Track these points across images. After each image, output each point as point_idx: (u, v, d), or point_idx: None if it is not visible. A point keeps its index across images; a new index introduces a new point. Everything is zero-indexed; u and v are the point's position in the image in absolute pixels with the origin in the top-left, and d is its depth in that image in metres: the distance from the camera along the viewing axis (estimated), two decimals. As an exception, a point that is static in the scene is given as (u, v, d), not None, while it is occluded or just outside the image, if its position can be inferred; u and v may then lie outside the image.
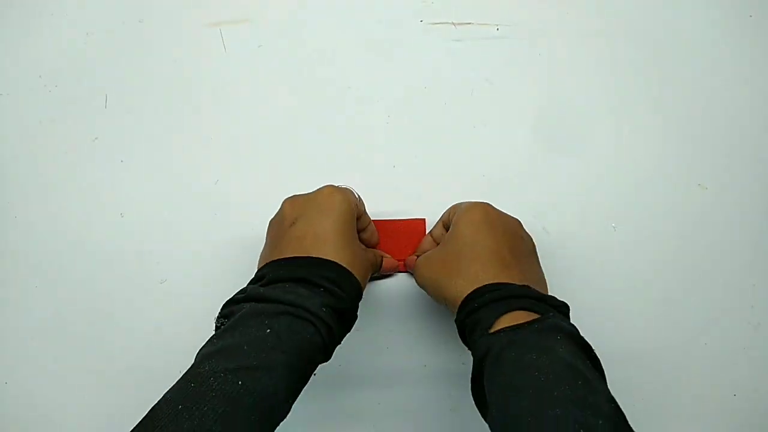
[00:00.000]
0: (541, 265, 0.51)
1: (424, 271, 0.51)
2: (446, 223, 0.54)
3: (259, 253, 0.52)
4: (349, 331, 0.48)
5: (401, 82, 0.61)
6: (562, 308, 0.46)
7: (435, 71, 0.61)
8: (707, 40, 0.61)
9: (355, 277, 0.47)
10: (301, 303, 0.44)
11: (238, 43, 0.61)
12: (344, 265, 0.47)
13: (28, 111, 0.61)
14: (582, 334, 0.44)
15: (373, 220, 0.56)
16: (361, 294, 0.48)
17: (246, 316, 0.43)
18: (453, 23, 0.61)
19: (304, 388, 0.45)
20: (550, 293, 0.50)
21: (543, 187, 0.59)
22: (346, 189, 0.51)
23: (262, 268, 0.48)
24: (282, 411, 0.42)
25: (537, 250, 0.52)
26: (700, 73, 0.61)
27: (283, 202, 0.51)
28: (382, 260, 0.56)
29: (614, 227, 0.59)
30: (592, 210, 0.59)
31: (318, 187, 0.51)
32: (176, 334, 0.57)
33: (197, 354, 0.44)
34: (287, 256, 0.47)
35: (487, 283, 0.45)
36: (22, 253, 0.59)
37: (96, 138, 0.60)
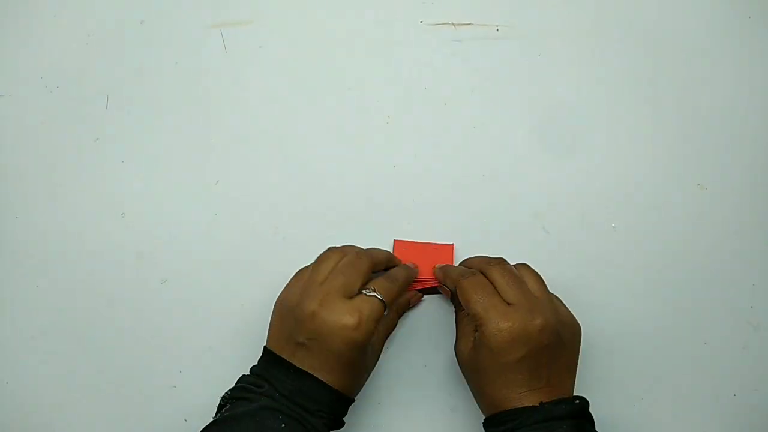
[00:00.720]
0: (546, 275, 0.52)
1: (463, 369, 0.52)
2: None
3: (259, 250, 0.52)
4: None
5: (401, 83, 0.61)
6: (579, 413, 0.48)
7: (435, 71, 0.61)
8: (707, 40, 0.61)
9: (348, 400, 0.50)
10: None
11: (238, 44, 0.61)
12: (344, 393, 0.49)
13: (29, 111, 0.61)
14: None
15: (400, 241, 0.57)
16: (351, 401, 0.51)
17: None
18: (453, 24, 0.62)
19: None
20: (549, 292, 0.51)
21: (543, 187, 0.59)
22: (369, 310, 0.49)
23: (273, 355, 0.50)
24: None
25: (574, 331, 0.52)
26: (700, 73, 0.61)
27: (298, 290, 0.51)
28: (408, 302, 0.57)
29: (614, 227, 0.59)
30: (592, 210, 0.59)
31: (333, 308, 0.49)
32: (176, 334, 0.57)
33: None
34: (295, 365, 0.48)
35: (505, 409, 0.48)
36: (23, 253, 0.59)
37: (97, 138, 0.60)
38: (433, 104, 0.61)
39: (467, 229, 0.58)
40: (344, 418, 0.50)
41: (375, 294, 0.50)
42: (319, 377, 0.48)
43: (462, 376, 0.52)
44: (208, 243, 0.59)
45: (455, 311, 0.54)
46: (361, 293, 0.50)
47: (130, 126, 0.60)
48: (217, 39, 0.62)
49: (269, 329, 0.51)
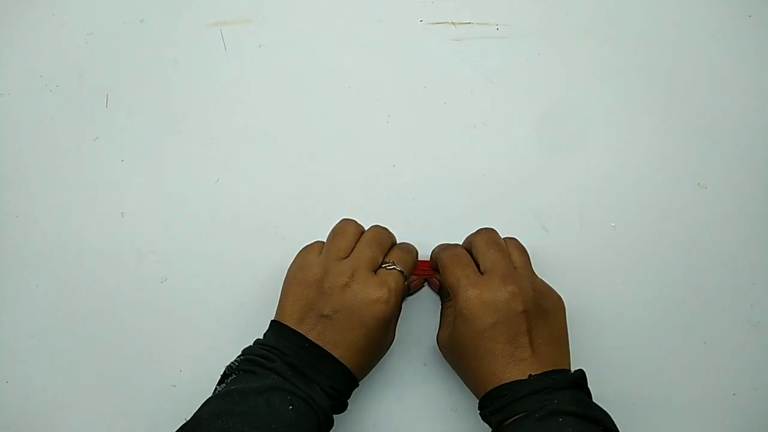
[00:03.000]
0: (546, 275, 0.52)
1: (446, 354, 0.52)
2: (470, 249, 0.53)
3: (260, 248, 0.52)
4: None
5: (401, 82, 0.61)
6: (572, 383, 0.47)
7: (435, 71, 0.61)
8: (707, 39, 0.61)
9: (355, 383, 0.49)
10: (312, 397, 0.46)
11: (238, 43, 0.61)
12: (354, 373, 0.48)
13: (29, 111, 0.61)
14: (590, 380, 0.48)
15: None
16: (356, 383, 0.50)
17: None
18: (453, 23, 0.61)
19: None
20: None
21: (543, 186, 0.59)
22: (394, 283, 0.50)
23: (287, 328, 0.49)
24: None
25: (564, 304, 0.52)
26: (700, 72, 0.61)
27: (318, 263, 0.51)
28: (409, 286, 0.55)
29: (614, 226, 0.59)
30: (592, 209, 0.59)
31: (360, 280, 0.49)
32: (176, 334, 0.57)
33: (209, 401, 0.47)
34: (311, 340, 0.48)
35: (495, 386, 0.47)
36: (23, 253, 0.59)
37: (97, 138, 0.60)
38: (433, 104, 0.60)
39: (467, 228, 0.58)
40: (344, 413, 0.50)
41: (395, 266, 0.50)
42: (335, 354, 0.47)
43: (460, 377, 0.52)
44: (207, 242, 0.59)
45: (441, 303, 0.55)
46: (383, 267, 0.51)
47: (129, 125, 0.60)
48: (217, 38, 0.61)
49: (281, 303, 0.50)
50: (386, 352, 0.53)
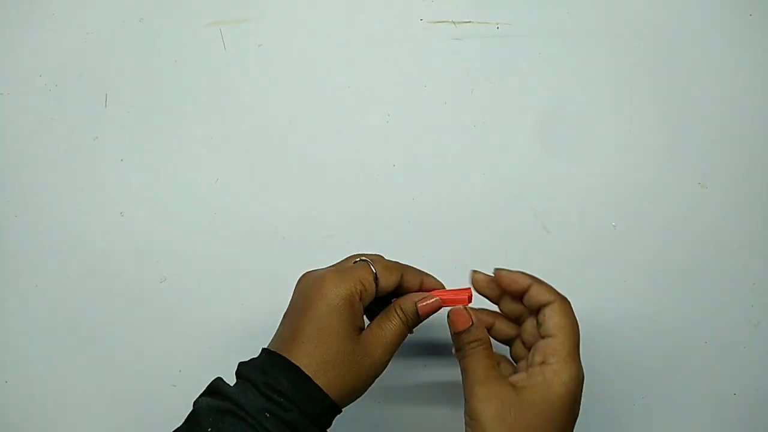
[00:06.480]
0: (546, 275, 0.48)
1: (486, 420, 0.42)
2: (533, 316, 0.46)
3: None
4: None
5: (401, 82, 0.61)
6: None
7: (435, 70, 0.61)
8: (707, 38, 0.61)
9: (314, 385, 0.42)
10: (244, 405, 0.42)
11: (238, 42, 0.61)
12: (306, 372, 0.42)
13: (29, 110, 0.61)
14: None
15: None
16: (333, 406, 0.43)
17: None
18: (453, 22, 0.61)
19: None
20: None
21: (543, 186, 0.59)
22: (354, 268, 0.46)
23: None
24: None
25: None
26: (700, 71, 0.61)
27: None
28: (417, 309, 0.47)
29: (614, 226, 0.59)
30: (592, 209, 0.59)
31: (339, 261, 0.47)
32: (176, 334, 0.58)
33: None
34: (265, 347, 0.45)
35: None
36: (22, 252, 0.59)
37: (96, 137, 0.60)
38: (433, 103, 0.60)
39: (467, 228, 0.58)
40: (344, 414, 0.46)
41: (363, 260, 0.47)
42: (288, 358, 0.43)
43: (460, 375, 0.47)
44: (207, 242, 0.58)
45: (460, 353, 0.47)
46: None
47: (129, 124, 0.60)
48: (216, 37, 0.61)
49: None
50: (363, 374, 0.45)
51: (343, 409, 0.45)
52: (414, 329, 0.48)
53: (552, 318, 0.44)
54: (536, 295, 0.45)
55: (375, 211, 0.58)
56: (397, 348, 0.47)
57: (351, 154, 0.60)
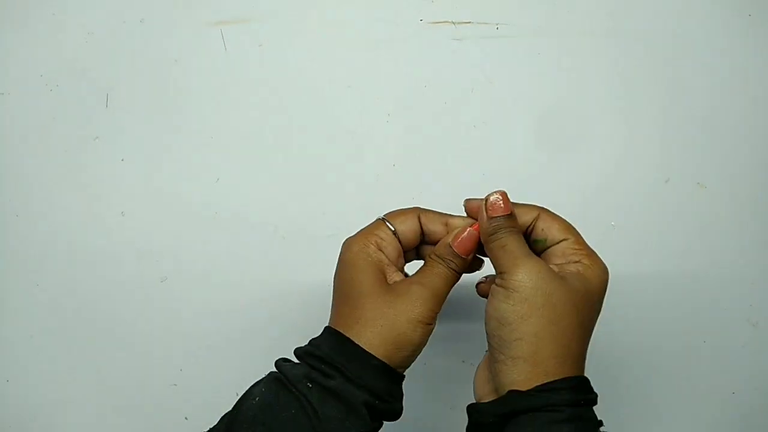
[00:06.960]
0: None
1: (494, 320, 0.43)
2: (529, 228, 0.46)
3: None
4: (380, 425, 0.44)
5: (401, 81, 0.61)
6: (581, 404, 0.43)
7: (435, 70, 0.61)
8: (707, 39, 0.61)
9: (351, 344, 0.42)
10: (287, 374, 0.42)
11: (238, 43, 0.61)
12: (342, 332, 0.43)
13: (29, 110, 0.61)
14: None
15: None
16: (384, 367, 0.42)
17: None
18: (453, 22, 0.61)
19: None
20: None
21: (543, 186, 0.59)
22: (368, 226, 0.46)
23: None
24: None
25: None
26: (700, 72, 0.61)
27: None
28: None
29: (614, 226, 0.59)
30: (592, 209, 0.59)
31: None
32: (176, 333, 0.58)
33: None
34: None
35: (532, 386, 0.41)
36: (23, 252, 0.59)
37: (97, 137, 0.60)
38: (433, 103, 0.60)
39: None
40: None
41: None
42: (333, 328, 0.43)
43: (460, 374, 0.50)
44: (207, 242, 0.59)
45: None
46: None
47: (129, 124, 0.60)
48: (216, 37, 0.61)
49: None
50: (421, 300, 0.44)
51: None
52: (477, 269, 0.48)
53: (552, 226, 0.45)
54: (521, 215, 0.46)
55: (375, 210, 0.58)
56: (443, 296, 0.45)
57: (351, 154, 0.60)
